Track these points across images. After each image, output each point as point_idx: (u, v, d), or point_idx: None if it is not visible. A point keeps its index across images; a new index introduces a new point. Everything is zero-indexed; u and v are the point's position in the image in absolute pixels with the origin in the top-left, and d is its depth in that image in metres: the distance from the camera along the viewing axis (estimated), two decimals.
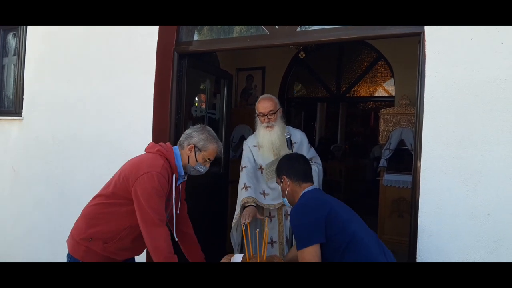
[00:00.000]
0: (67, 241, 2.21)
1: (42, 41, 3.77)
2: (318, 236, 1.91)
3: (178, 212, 2.28)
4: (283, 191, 2.23)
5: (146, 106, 3.22)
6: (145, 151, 2.25)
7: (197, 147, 2.20)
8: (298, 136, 2.99)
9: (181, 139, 2.28)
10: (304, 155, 2.92)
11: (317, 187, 2.24)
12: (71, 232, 2.19)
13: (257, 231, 2.32)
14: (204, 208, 3.66)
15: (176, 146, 2.26)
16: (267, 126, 2.84)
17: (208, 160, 2.25)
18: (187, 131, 2.29)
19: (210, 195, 3.80)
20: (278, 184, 2.29)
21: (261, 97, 3.00)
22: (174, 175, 2.18)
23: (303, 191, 2.14)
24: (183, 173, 2.26)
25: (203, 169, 2.27)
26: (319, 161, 3.00)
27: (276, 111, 2.87)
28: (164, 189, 2.07)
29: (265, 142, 2.87)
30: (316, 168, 2.91)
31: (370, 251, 1.90)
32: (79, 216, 2.21)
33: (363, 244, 1.91)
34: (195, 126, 2.31)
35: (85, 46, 3.52)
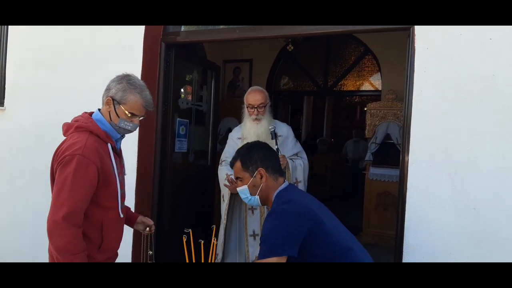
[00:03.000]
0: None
1: (25, 29, 3.66)
2: (290, 249, 1.66)
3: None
4: (253, 187, 1.87)
5: None
6: (64, 135, 1.93)
7: (115, 100, 1.85)
8: (285, 130, 2.99)
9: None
10: (290, 149, 2.94)
11: (290, 183, 1.99)
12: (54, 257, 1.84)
13: (201, 242, 1.88)
14: (190, 201, 3.64)
15: (96, 111, 1.94)
16: (255, 119, 2.84)
17: (132, 115, 1.87)
18: (109, 82, 1.94)
19: (197, 188, 3.77)
20: (246, 179, 1.88)
21: (251, 88, 2.99)
22: (109, 144, 1.88)
23: (279, 189, 1.87)
24: (118, 135, 1.95)
25: (129, 126, 1.89)
26: (304, 155, 3.00)
27: (266, 105, 2.87)
28: (88, 176, 1.73)
29: (251, 134, 2.87)
30: (302, 163, 2.91)
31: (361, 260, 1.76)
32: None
33: (355, 255, 1.76)
34: (116, 75, 1.95)
35: (70, 35, 3.43)
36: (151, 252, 2.22)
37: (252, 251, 2.93)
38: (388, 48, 5.57)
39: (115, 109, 1.87)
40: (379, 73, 6.13)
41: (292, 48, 5.82)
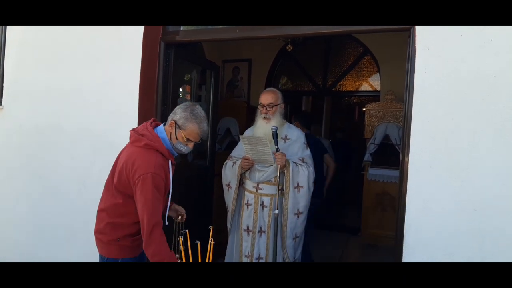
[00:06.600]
0: (96, 244, 2.23)
1: (23, 28, 3.64)
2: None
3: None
4: None
5: (132, 96, 3.15)
6: (131, 143, 2.17)
7: (177, 125, 2.14)
8: (295, 134, 3.06)
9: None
10: (294, 153, 2.96)
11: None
12: (96, 236, 2.20)
13: (198, 243, 1.91)
14: (189, 201, 3.62)
15: (161, 126, 2.22)
16: (264, 117, 2.93)
17: (188, 140, 2.16)
18: (176, 107, 2.23)
19: (196, 188, 3.76)
20: None
21: (266, 89, 3.09)
22: (169, 161, 2.14)
23: None
24: (176, 154, 2.23)
25: (184, 148, 2.20)
26: (310, 162, 2.98)
27: (276, 105, 2.95)
28: (160, 189, 2.04)
29: (259, 132, 2.94)
30: (306, 169, 2.88)
31: None
32: (99, 216, 2.21)
33: None
34: (184, 103, 2.23)
35: (69, 33, 3.41)
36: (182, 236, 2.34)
37: (245, 246, 2.96)
38: (387, 48, 5.58)
39: (175, 132, 2.15)
40: (378, 73, 6.13)
41: (291, 48, 5.81)
